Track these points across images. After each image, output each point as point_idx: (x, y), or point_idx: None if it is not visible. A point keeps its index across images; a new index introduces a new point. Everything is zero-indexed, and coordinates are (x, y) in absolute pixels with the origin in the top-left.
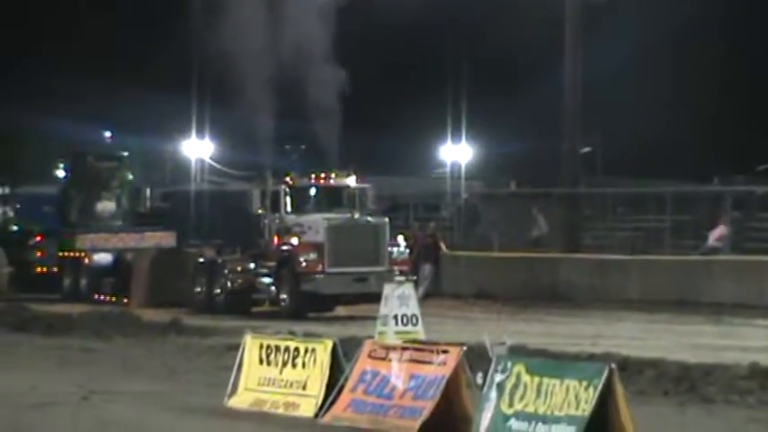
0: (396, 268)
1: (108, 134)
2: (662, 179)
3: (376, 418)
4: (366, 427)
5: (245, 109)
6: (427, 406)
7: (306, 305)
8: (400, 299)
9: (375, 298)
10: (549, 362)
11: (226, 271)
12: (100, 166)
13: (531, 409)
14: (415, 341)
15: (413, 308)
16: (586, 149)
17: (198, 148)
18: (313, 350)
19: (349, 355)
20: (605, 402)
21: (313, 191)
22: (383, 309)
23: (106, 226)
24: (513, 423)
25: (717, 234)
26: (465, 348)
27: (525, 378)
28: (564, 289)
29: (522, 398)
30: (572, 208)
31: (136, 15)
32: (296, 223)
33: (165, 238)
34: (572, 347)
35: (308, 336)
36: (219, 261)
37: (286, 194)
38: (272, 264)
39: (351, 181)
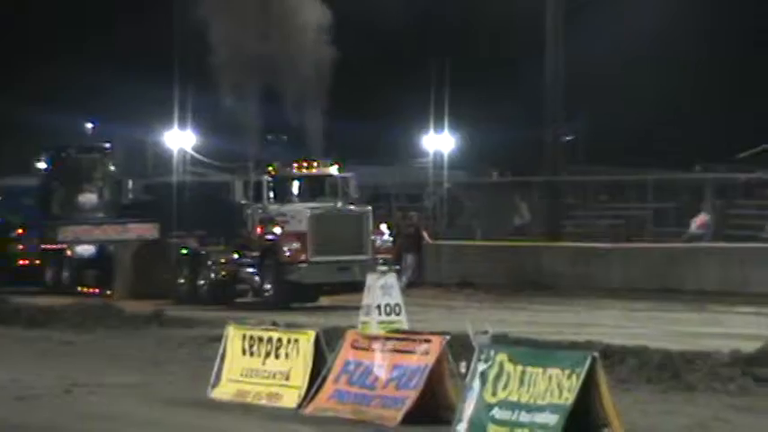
0: (379, 257)
1: (90, 125)
2: (644, 167)
3: (359, 408)
4: (349, 418)
5: (227, 98)
6: (410, 396)
7: (289, 295)
8: (383, 288)
9: (359, 287)
10: (532, 351)
11: (209, 262)
12: (81, 159)
13: (514, 397)
14: (397, 331)
15: (396, 297)
16: (569, 137)
17: (180, 139)
18: (296, 341)
19: (332, 346)
20: (588, 391)
21: (296, 181)
22: (366, 299)
23: (88, 218)
24: (496, 412)
25: (699, 221)
26: (448, 338)
27: (508, 367)
28: (546, 277)
29: (505, 387)
30: (554, 196)
31: (118, 3)
32: (279, 213)
33: (149, 230)
34: (554, 336)
35: (291, 326)
36: (203, 252)
37: (269, 184)
38: (256, 254)
39: (334, 170)
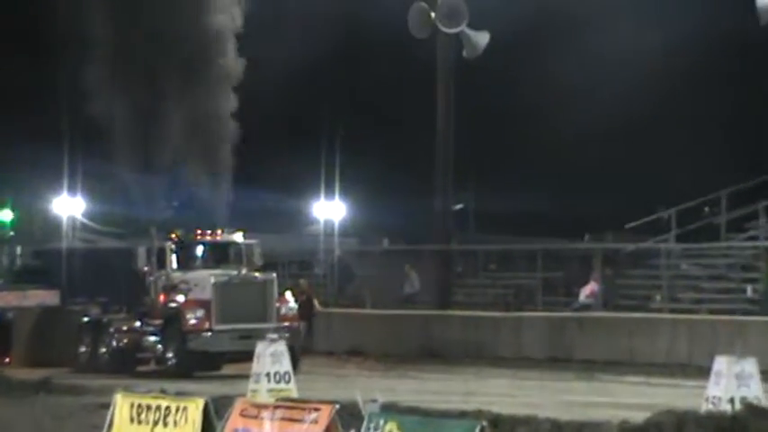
0: (284, 324)
1: None
2: (534, 236)
3: None
4: None
5: (119, 166)
6: None
7: (193, 363)
8: (273, 356)
9: None
10: (421, 419)
11: (111, 329)
12: None
13: None
14: (287, 399)
15: (285, 365)
16: (459, 207)
17: (69, 205)
18: (184, 409)
19: (221, 414)
20: None
21: (200, 247)
22: (255, 366)
23: None
24: None
25: (588, 291)
26: (337, 406)
27: None
28: (436, 346)
29: None
30: (444, 265)
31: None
32: (182, 280)
33: (49, 297)
34: (444, 404)
35: (181, 394)
36: (105, 320)
37: (172, 251)
38: (159, 322)
39: (238, 237)
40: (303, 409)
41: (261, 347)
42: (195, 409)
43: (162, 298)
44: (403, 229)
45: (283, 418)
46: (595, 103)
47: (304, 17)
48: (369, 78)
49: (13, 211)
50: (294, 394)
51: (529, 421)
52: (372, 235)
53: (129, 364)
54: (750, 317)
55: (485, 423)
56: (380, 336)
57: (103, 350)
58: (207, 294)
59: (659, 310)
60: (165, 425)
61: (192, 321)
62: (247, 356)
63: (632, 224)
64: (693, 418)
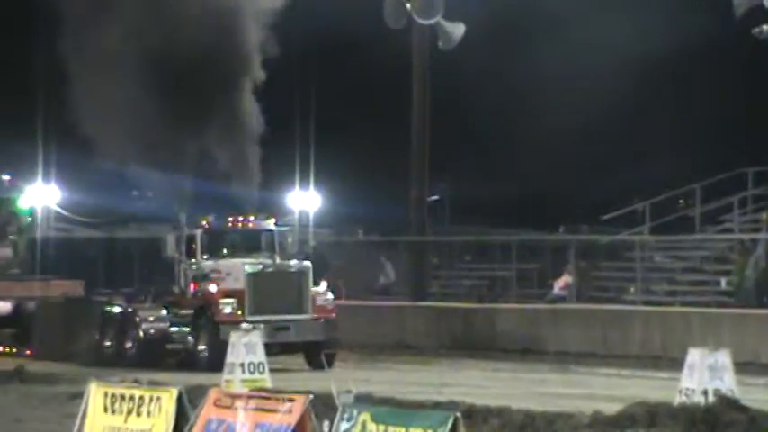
0: (321, 316)
1: (6, 177)
2: (509, 228)
3: None
4: None
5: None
6: None
7: (224, 355)
8: (247, 347)
9: (299, 347)
10: (395, 410)
11: (137, 320)
12: None
13: None
14: (261, 389)
15: (259, 356)
16: (435, 198)
17: (44, 195)
18: (158, 398)
19: (195, 404)
20: None
21: (231, 235)
22: (230, 356)
23: (6, 275)
24: None
25: (562, 283)
26: (311, 397)
27: (371, 426)
28: (410, 337)
29: None
30: (419, 256)
31: None
32: (214, 269)
33: (74, 287)
34: (418, 395)
35: (154, 384)
36: (130, 310)
37: (203, 239)
38: (189, 312)
39: (270, 224)
40: (277, 399)
41: (235, 337)
42: (169, 398)
43: (192, 287)
44: (378, 220)
45: (257, 408)
46: (571, 96)
47: (279, 6)
48: (344, 68)
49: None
50: (268, 385)
51: (502, 412)
52: (347, 226)
53: (157, 357)
54: (724, 309)
55: (458, 414)
56: (354, 327)
57: (130, 343)
58: (240, 284)
59: (633, 303)
60: (139, 414)
61: (225, 312)
62: (282, 349)
63: (607, 216)
64: (666, 410)
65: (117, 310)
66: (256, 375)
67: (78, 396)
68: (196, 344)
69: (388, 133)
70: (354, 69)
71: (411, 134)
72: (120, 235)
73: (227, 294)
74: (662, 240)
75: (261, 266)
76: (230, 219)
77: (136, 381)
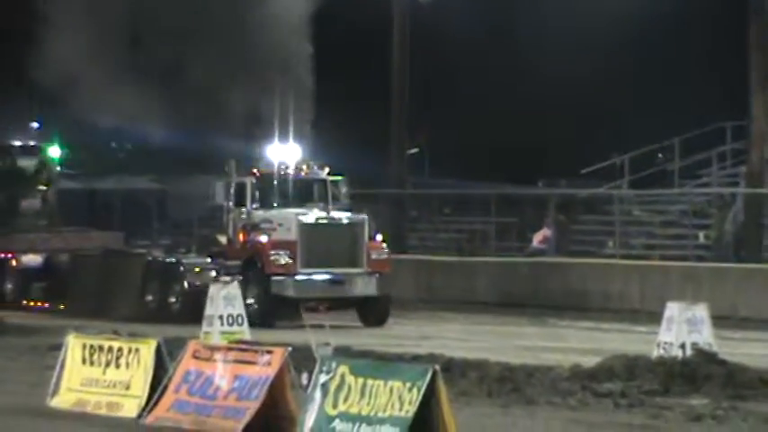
0: (374, 271)
1: (36, 124)
2: (488, 181)
3: (199, 418)
4: (189, 428)
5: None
6: (251, 407)
7: (275, 309)
8: (226, 299)
9: (352, 303)
10: (374, 363)
11: (182, 270)
12: (21, 161)
13: (355, 410)
14: (239, 341)
15: (238, 308)
16: (413, 151)
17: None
18: (137, 350)
19: (174, 356)
20: (428, 404)
21: (283, 184)
22: (208, 309)
23: (40, 226)
24: (337, 424)
25: (541, 236)
26: (290, 349)
27: (349, 379)
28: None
29: (346, 399)
30: (398, 209)
31: None
32: (264, 219)
33: (114, 239)
34: (397, 348)
35: (133, 335)
36: (173, 261)
37: (253, 187)
38: (237, 263)
39: (324, 173)
40: (256, 351)
41: (214, 290)
42: (147, 350)
43: (241, 237)
44: (357, 172)
45: (236, 361)
46: (550, 51)
47: None
48: (323, 19)
49: (62, 147)
50: (247, 337)
51: (480, 365)
52: None
53: (202, 310)
54: (702, 263)
55: (437, 367)
56: None
57: (173, 297)
58: (292, 235)
59: (612, 256)
60: (118, 366)
61: (278, 263)
62: (336, 304)
63: (586, 170)
64: (644, 363)
65: (161, 260)
66: (235, 327)
67: (57, 348)
68: (244, 297)
69: (368, 84)
70: (333, 20)
71: (391, 86)
72: (140, 186)
73: (279, 245)
74: (641, 194)
75: (315, 217)
76: (283, 166)
77: (115, 332)
